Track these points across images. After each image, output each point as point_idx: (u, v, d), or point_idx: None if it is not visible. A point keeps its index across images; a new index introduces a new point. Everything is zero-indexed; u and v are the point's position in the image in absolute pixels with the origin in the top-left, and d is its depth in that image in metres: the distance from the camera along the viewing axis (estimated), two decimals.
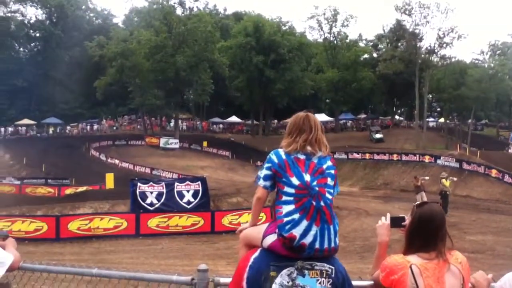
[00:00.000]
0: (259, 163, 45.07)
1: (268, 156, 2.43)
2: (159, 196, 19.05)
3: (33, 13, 70.58)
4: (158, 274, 3.02)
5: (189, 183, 20.02)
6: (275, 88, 57.27)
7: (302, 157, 2.37)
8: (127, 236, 16.76)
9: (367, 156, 41.49)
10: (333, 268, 2.25)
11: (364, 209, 22.39)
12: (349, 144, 47.95)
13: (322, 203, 2.29)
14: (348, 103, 63.98)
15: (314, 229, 2.25)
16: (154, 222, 17.42)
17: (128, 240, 16.39)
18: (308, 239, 2.22)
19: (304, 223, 2.24)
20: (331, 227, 2.31)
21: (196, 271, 2.64)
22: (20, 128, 57.26)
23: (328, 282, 2.21)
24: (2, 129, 55.03)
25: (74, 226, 16.48)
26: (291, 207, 2.28)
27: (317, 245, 2.23)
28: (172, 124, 59.48)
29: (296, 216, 2.25)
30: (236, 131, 63.53)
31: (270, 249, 2.27)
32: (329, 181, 2.37)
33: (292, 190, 2.30)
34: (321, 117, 56.54)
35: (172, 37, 51.50)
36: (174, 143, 51.68)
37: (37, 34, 69.73)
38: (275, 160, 2.37)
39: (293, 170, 2.33)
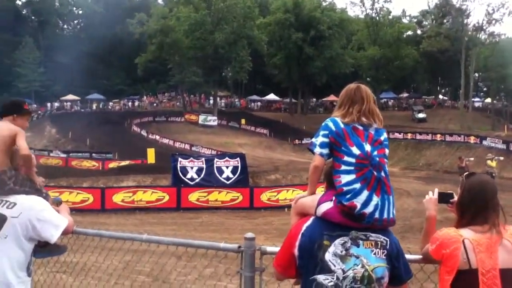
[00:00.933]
0: (297, 141, 44.99)
1: (324, 124, 2.37)
2: (199, 171, 19.39)
3: None
4: (206, 241, 3.09)
5: (228, 159, 20.26)
6: (314, 65, 56.39)
7: (360, 127, 2.32)
8: (169, 209, 17.22)
9: (409, 136, 40.52)
10: (388, 239, 2.22)
11: (405, 190, 21.97)
12: (390, 124, 46.82)
13: (382, 174, 2.26)
14: (389, 81, 62.17)
15: (375, 200, 2.21)
16: (194, 196, 17.77)
17: (169, 213, 16.84)
18: (369, 209, 2.19)
19: (365, 193, 2.20)
20: (391, 197, 2.28)
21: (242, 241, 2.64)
22: (65, 103, 59.31)
23: (382, 253, 2.18)
24: (49, 104, 57.15)
25: (118, 198, 17.08)
26: (352, 176, 2.24)
27: (376, 215, 2.20)
28: (211, 101, 59.92)
29: (357, 185, 2.21)
30: (274, 109, 63.20)
31: (324, 216, 2.24)
32: (387, 152, 2.35)
33: (352, 160, 2.25)
34: None
35: (211, 13, 51.42)
36: (212, 120, 52.13)
37: (80, 12, 71.38)
38: (333, 127, 2.32)
39: (352, 140, 2.28)
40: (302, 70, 57.98)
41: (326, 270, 2.15)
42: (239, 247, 2.61)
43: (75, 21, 73.61)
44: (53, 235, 2.79)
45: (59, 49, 63.33)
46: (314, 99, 65.47)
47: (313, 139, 2.37)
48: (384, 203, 2.23)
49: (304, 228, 2.27)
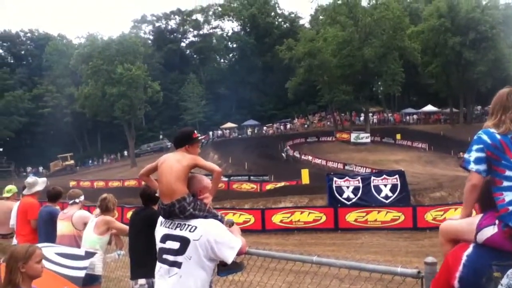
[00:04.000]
0: (461, 154, 40.96)
1: (476, 136, 2.10)
2: (355, 190, 18.84)
3: (230, 27, 78.98)
4: (381, 265, 2.90)
5: (386, 177, 19.27)
6: (475, 70, 51.32)
7: None
8: (326, 230, 16.98)
9: None
10: None
11: None
12: None
13: None
14: None
15: None
16: (352, 217, 17.23)
17: (327, 234, 16.60)
18: None
19: None
20: None
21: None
22: (224, 131, 64.24)
23: None
24: (211, 133, 62.47)
25: (277, 218, 17.48)
26: None
27: None
28: (362, 118, 58.75)
29: None
30: (432, 121, 59.14)
31: (487, 244, 1.95)
32: None
33: None
34: None
35: (358, 29, 50.82)
36: (365, 137, 50.94)
37: (234, 45, 77.41)
38: (488, 140, 2.04)
39: None
40: (462, 77, 53.40)
41: None
42: (419, 272, 2.39)
43: (230, 55, 79.95)
44: (229, 256, 2.97)
45: (217, 82, 69.53)
46: (479, 107, 59.29)
47: (465, 155, 2.10)
48: None
49: (464, 257, 2.00)
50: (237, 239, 3.06)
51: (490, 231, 1.98)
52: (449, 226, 2.22)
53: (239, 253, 3.06)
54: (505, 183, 1.99)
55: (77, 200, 5.83)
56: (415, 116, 61.20)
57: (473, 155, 2.07)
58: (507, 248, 1.92)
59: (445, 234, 2.22)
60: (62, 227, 5.71)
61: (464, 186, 2.22)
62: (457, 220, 2.21)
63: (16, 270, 2.94)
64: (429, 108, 61.06)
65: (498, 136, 2.03)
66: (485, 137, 2.06)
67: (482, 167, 2.05)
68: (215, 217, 3.11)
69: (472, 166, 2.07)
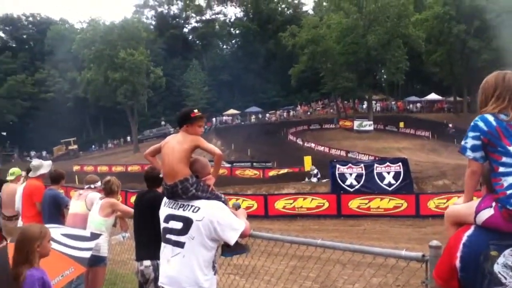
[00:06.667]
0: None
1: (473, 123, 2.11)
2: (358, 177, 18.88)
3: (233, 12, 78.33)
4: (385, 248, 2.87)
5: (389, 164, 19.27)
6: (480, 59, 50.80)
7: None
8: (329, 216, 17.07)
9: None
10: None
11: None
12: None
13: None
14: None
15: None
16: (355, 203, 17.29)
17: (330, 220, 16.69)
18: None
19: None
20: None
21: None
22: (227, 117, 64.13)
23: None
24: (213, 119, 62.43)
25: (280, 204, 17.58)
26: None
27: None
28: (365, 106, 58.50)
29: None
30: (436, 110, 58.88)
31: (486, 225, 2.05)
32: None
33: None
34: None
35: (362, 17, 50.30)
36: (368, 125, 50.81)
37: (237, 31, 76.84)
38: (484, 127, 2.06)
39: (509, 139, 2.05)
40: (466, 65, 52.98)
41: (496, 283, 1.98)
42: (423, 255, 2.46)
43: (233, 41, 79.42)
44: (232, 237, 3.00)
45: (220, 68, 69.21)
46: None
47: (462, 142, 2.14)
48: None
49: (465, 237, 2.08)
50: (240, 221, 3.08)
51: (487, 213, 2.04)
52: (452, 210, 2.29)
53: (242, 236, 3.08)
54: (502, 169, 2.03)
55: (92, 186, 5.90)
56: (418, 105, 60.96)
57: (469, 142, 2.11)
58: (504, 228, 1.98)
59: (449, 218, 2.29)
60: (76, 206, 5.82)
61: None
62: (459, 204, 2.28)
63: (33, 250, 3.04)
64: (433, 96, 60.79)
65: (494, 123, 2.06)
66: (481, 124, 2.08)
67: (479, 154, 2.10)
68: (218, 198, 3.14)
69: (469, 154, 2.11)
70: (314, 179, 23.06)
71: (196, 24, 79.35)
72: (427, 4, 57.23)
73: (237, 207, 3.38)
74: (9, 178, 7.77)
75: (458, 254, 2.07)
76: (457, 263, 2.07)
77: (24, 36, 76.36)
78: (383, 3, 48.32)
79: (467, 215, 2.15)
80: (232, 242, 3.00)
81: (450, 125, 48.21)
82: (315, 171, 23.57)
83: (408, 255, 2.55)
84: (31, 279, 2.98)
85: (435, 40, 54.05)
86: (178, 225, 3.03)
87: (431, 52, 54.35)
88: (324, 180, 22.08)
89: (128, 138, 62.56)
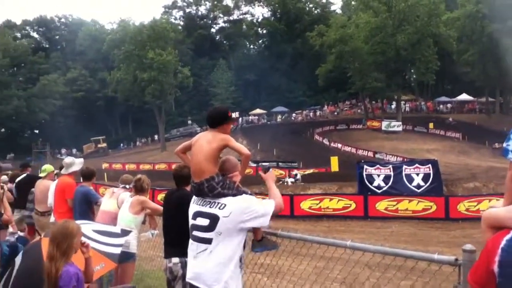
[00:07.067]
0: (497, 145, 39.87)
1: None
2: (386, 179, 18.60)
3: (260, 12, 78.37)
4: (417, 251, 2.80)
5: (419, 166, 18.92)
6: None
7: None
8: (356, 218, 16.86)
9: None
10: None
11: None
12: None
13: None
14: None
15: None
16: (382, 205, 17.04)
17: (357, 221, 16.48)
18: None
19: None
20: None
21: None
22: (253, 117, 64.23)
23: None
24: (240, 119, 62.64)
25: (306, 205, 17.48)
26: None
27: None
28: (393, 106, 57.64)
29: None
30: (467, 111, 57.51)
31: None
32: None
33: None
34: None
35: (392, 16, 49.53)
36: (396, 125, 50.11)
37: (264, 31, 76.87)
38: None
39: None
40: (499, 65, 51.41)
41: None
42: (457, 259, 2.39)
43: (260, 41, 79.49)
44: (264, 222, 3.05)
45: (247, 68, 69.35)
46: None
47: (504, 144, 2.03)
48: None
49: (504, 242, 1.95)
50: (268, 205, 3.09)
51: None
52: (490, 213, 2.19)
53: (275, 213, 3.08)
54: None
55: (127, 186, 5.98)
56: (449, 105, 59.63)
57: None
58: None
59: (487, 220, 2.19)
60: (108, 204, 5.94)
61: (498, 177, 2.18)
62: (498, 207, 2.18)
63: (72, 245, 3.15)
64: (464, 97, 59.37)
65: None
66: None
67: None
68: (244, 194, 3.15)
69: (510, 156, 2.01)
70: (290, 179, 23.42)
71: (223, 24, 79.94)
72: (459, 2, 55.84)
73: (266, 170, 3.34)
74: (41, 174, 7.95)
75: (496, 258, 1.96)
76: (495, 268, 1.96)
77: (57, 37, 78.44)
78: (413, 2, 47.54)
79: (506, 218, 2.06)
80: (266, 224, 3.04)
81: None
82: (296, 173, 24.03)
83: (441, 258, 2.48)
84: (67, 274, 3.05)
85: (467, 39, 52.88)
86: (205, 222, 3.07)
87: (462, 51, 53.17)
88: (301, 183, 22.41)
89: (156, 137, 63.40)
